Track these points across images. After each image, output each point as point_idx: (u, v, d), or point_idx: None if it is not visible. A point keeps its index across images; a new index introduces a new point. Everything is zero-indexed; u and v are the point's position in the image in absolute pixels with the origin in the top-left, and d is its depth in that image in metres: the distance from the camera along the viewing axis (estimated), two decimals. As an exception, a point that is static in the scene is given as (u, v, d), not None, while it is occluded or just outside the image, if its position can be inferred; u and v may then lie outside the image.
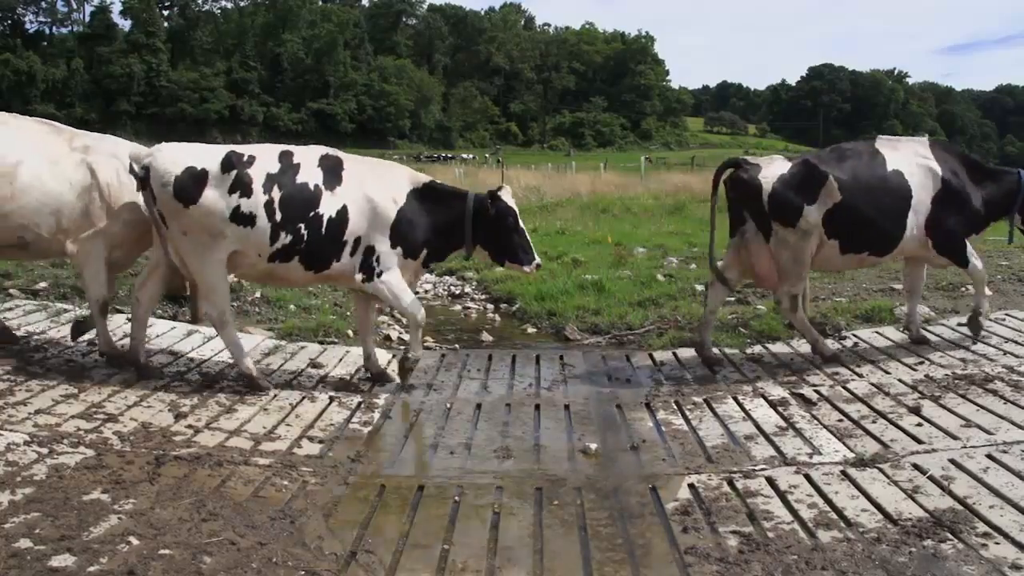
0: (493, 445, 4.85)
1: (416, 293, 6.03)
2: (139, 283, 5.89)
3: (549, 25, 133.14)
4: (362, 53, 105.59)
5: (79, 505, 3.63)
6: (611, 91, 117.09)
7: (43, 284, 8.28)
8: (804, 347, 6.86)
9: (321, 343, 7.28)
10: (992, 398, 5.11)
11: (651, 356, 6.92)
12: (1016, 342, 6.40)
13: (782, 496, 3.95)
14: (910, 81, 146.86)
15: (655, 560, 3.43)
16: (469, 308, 10.26)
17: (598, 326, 8.16)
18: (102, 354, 6.00)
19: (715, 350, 6.96)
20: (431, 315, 9.35)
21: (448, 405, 5.62)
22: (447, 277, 12.57)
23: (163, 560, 3.19)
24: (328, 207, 5.53)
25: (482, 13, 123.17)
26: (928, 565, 3.22)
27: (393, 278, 5.72)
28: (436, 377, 6.35)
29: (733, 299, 9.02)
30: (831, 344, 6.89)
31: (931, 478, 4.02)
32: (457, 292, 11.04)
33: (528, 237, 5.96)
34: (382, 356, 6.81)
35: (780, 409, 5.31)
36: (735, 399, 5.57)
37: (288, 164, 5.55)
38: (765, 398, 5.55)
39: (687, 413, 5.36)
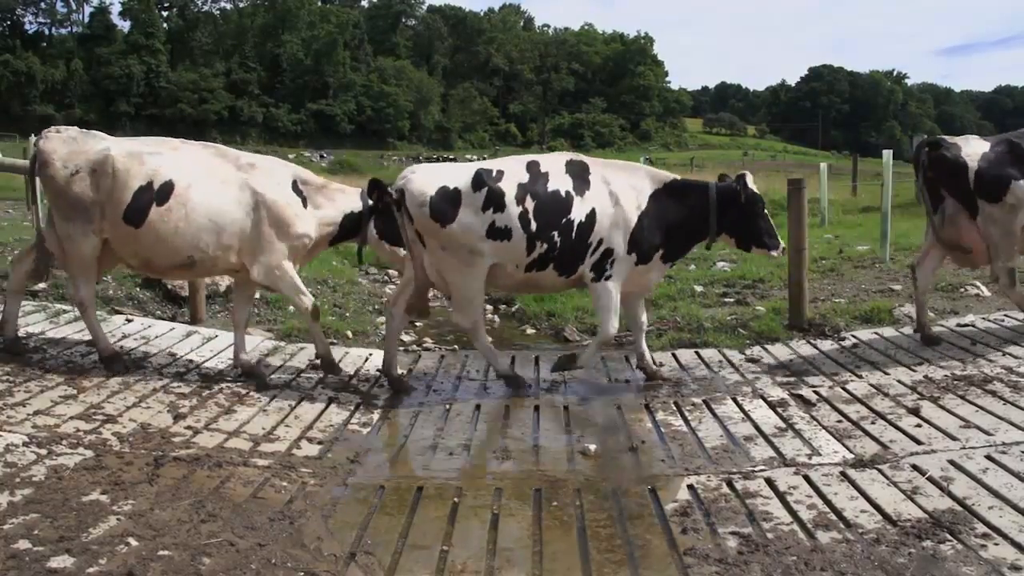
0: (492, 446, 4.85)
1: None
2: (392, 299, 6.14)
3: (548, 26, 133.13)
4: (361, 54, 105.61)
5: (78, 506, 3.63)
6: (610, 92, 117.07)
7: (42, 285, 8.27)
8: (803, 348, 6.86)
9: (320, 344, 7.27)
10: (991, 399, 5.11)
11: (651, 357, 6.91)
12: (1015, 343, 6.40)
13: (781, 497, 3.95)
14: (909, 82, 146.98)
15: (654, 561, 3.43)
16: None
17: (597, 327, 8.15)
18: (317, 357, 6.18)
19: (716, 351, 6.96)
20: (430, 316, 9.36)
21: (447, 406, 5.62)
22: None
23: (162, 561, 3.19)
24: (578, 212, 5.63)
25: (481, 14, 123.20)
26: (927, 566, 3.22)
27: (614, 288, 5.81)
28: (435, 378, 6.35)
29: (732, 300, 9.03)
30: (830, 345, 6.89)
31: (930, 479, 4.02)
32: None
33: (771, 221, 6.04)
34: (381, 357, 6.81)
35: (779, 410, 5.31)
36: (734, 400, 5.57)
37: (537, 173, 5.66)
38: (764, 399, 5.56)
39: (686, 414, 5.36)
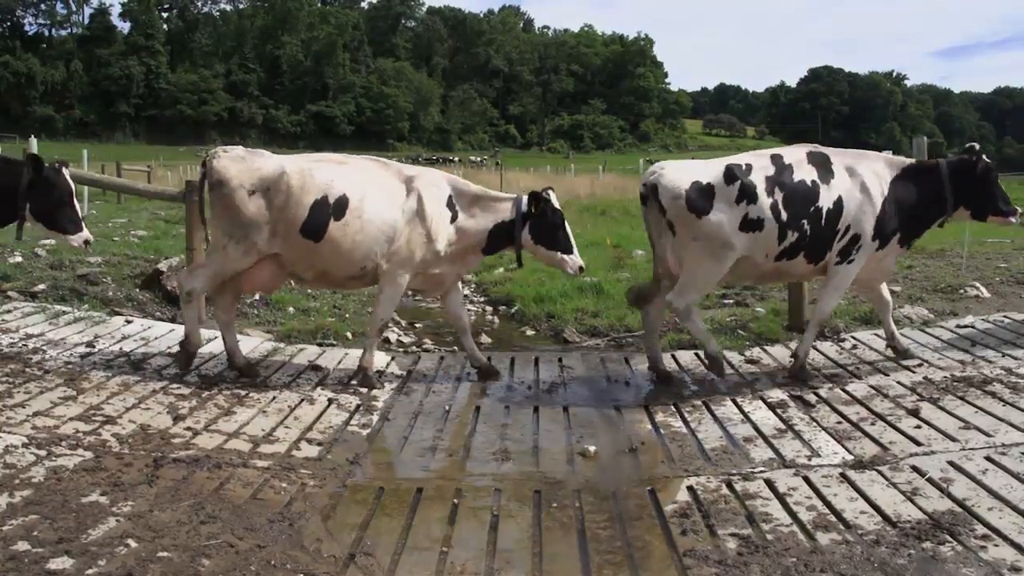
0: (492, 447, 4.85)
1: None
2: (644, 298, 6.28)
3: (548, 28, 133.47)
4: (361, 55, 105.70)
5: (77, 507, 3.62)
6: (610, 93, 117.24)
7: (41, 286, 8.28)
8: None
9: (320, 345, 7.28)
10: (991, 400, 5.11)
11: (650, 358, 6.91)
12: (1015, 344, 6.40)
13: (781, 498, 3.95)
14: (908, 83, 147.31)
15: (654, 562, 3.43)
16: (468, 310, 10.27)
17: (597, 328, 8.16)
18: (360, 368, 6.14)
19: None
20: (430, 318, 9.36)
21: (447, 407, 5.62)
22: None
23: (161, 562, 3.18)
24: (826, 200, 5.75)
25: (481, 16, 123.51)
26: (927, 567, 3.22)
27: (852, 272, 5.93)
28: (435, 379, 6.35)
29: (731, 301, 9.03)
30: (830, 346, 6.89)
31: (930, 480, 4.02)
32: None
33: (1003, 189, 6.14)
34: (381, 358, 6.81)
35: (779, 411, 5.31)
36: (734, 401, 5.57)
37: (782, 165, 5.80)
38: (764, 400, 5.56)
39: (686, 415, 5.36)
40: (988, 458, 4.21)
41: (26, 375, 5.55)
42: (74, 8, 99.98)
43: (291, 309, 8.60)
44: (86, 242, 5.98)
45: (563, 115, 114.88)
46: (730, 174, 5.72)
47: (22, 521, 3.44)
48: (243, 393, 5.64)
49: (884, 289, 6.40)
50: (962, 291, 8.59)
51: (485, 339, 8.49)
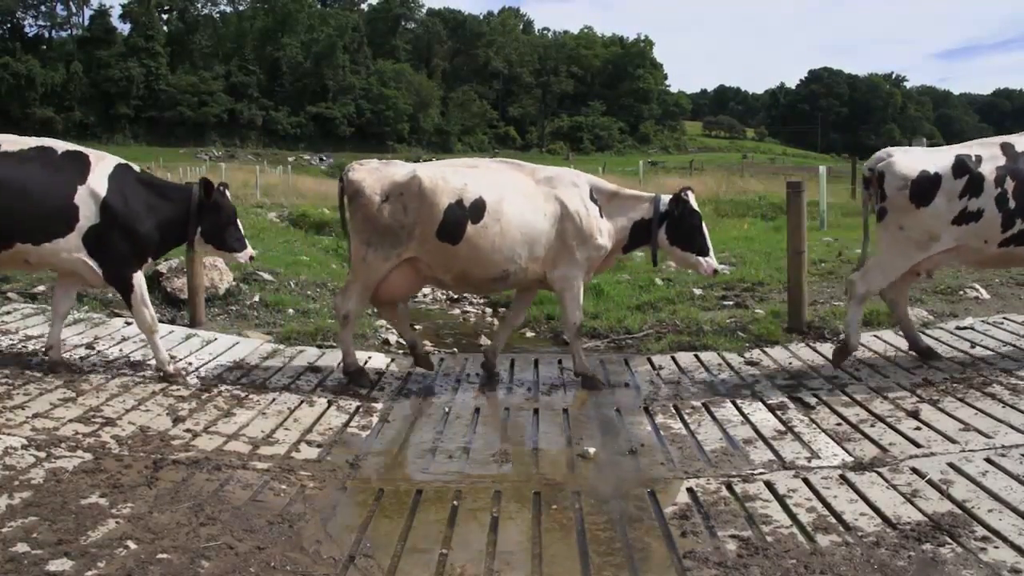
0: (492, 449, 4.85)
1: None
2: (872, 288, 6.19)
3: (548, 29, 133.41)
4: (361, 57, 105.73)
5: (77, 509, 3.62)
6: (609, 95, 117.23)
7: (41, 288, 8.27)
8: (803, 351, 6.86)
9: (319, 347, 7.28)
10: (990, 402, 5.11)
11: (649, 360, 6.92)
12: (1014, 345, 6.40)
13: (781, 500, 3.95)
14: (908, 85, 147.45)
15: (654, 564, 3.43)
16: (467, 312, 10.27)
17: (596, 330, 8.15)
18: (577, 375, 6.22)
19: (715, 354, 6.96)
20: (429, 319, 9.36)
21: (446, 409, 5.62)
22: (446, 281, 12.57)
23: (161, 564, 3.18)
24: None
25: (481, 17, 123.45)
26: (927, 569, 3.22)
27: None
28: (434, 381, 6.35)
29: (731, 303, 9.03)
30: (829, 348, 6.89)
31: (930, 482, 4.01)
32: (455, 296, 11.04)
33: None
34: (380, 360, 6.82)
35: (779, 413, 5.30)
36: (733, 403, 5.57)
37: (1014, 154, 5.76)
38: (764, 402, 5.55)
39: (686, 417, 5.36)
40: (988, 460, 4.21)
41: (25, 376, 5.55)
42: (74, 10, 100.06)
43: (291, 311, 8.60)
44: (251, 257, 6.27)
45: (563, 117, 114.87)
46: (960, 166, 5.68)
47: (21, 523, 3.44)
48: (242, 395, 5.64)
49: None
50: (961, 293, 8.59)
51: (485, 340, 8.49)
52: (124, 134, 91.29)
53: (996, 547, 3.35)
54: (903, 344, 6.76)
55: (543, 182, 6.02)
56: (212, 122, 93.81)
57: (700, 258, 6.15)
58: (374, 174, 5.90)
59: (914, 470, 4.18)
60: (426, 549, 3.53)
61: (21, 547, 3.22)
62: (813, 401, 5.49)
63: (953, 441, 4.54)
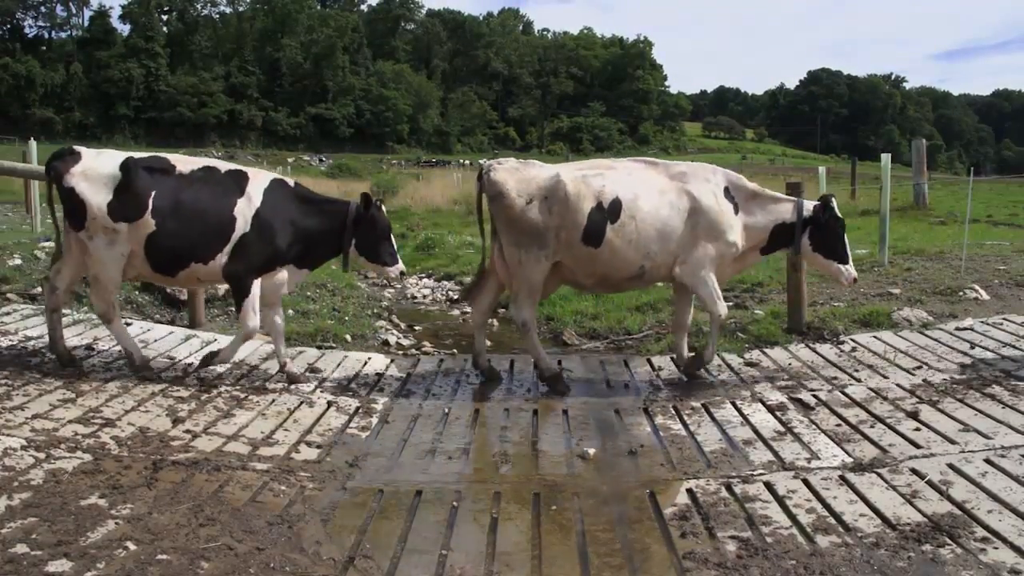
0: (491, 450, 4.85)
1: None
2: None
3: (547, 30, 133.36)
4: (360, 58, 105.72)
5: (76, 510, 3.62)
6: (609, 96, 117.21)
7: (41, 289, 8.26)
8: (802, 352, 6.86)
9: (319, 348, 7.28)
10: (990, 402, 5.12)
11: (649, 361, 6.93)
12: (1014, 346, 6.40)
13: (780, 501, 3.95)
14: (907, 86, 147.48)
15: (653, 565, 3.43)
16: (467, 313, 10.26)
17: (596, 331, 8.16)
18: (679, 366, 6.24)
19: (716, 355, 6.96)
20: (429, 320, 9.36)
21: (446, 410, 5.62)
22: (445, 282, 12.58)
23: (160, 565, 3.18)
24: None
25: (480, 18, 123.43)
26: (927, 570, 3.22)
27: None
28: (434, 382, 6.35)
29: (731, 304, 9.03)
30: (829, 348, 6.89)
31: (929, 483, 4.02)
32: (455, 297, 11.03)
33: None
34: (380, 361, 6.81)
35: (778, 414, 5.31)
36: (733, 404, 5.57)
37: None
38: (763, 403, 5.55)
39: (685, 418, 5.36)
40: (987, 460, 4.21)
41: (25, 377, 5.54)
42: (74, 11, 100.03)
43: (290, 312, 8.59)
44: (401, 273, 6.35)
45: (562, 117, 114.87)
46: None
47: (21, 524, 3.44)
48: (242, 396, 5.64)
49: None
50: (961, 293, 8.59)
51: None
52: (124, 135, 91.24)
53: (996, 548, 3.35)
54: (902, 344, 6.77)
55: (676, 177, 6.00)
56: (212, 123, 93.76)
57: (841, 266, 6.11)
58: (515, 175, 5.88)
59: (914, 471, 4.18)
60: (426, 550, 3.53)
61: (20, 548, 3.22)
62: (813, 402, 5.49)
63: (953, 442, 4.54)
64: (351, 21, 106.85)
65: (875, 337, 7.07)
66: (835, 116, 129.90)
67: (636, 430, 5.21)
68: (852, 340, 7.08)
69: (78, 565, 3.13)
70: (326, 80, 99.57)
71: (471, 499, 4.09)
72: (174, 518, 3.61)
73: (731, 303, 8.98)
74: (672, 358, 6.65)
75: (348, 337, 7.82)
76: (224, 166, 5.97)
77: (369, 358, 6.96)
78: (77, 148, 5.77)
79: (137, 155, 5.81)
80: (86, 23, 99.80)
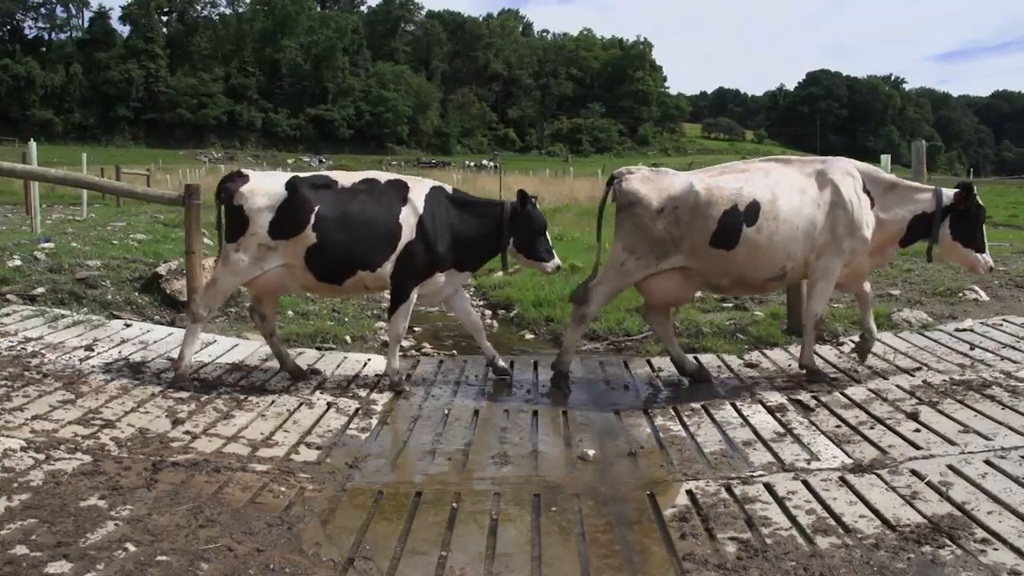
0: (491, 451, 4.85)
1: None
2: None
3: (547, 32, 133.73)
4: (360, 59, 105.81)
5: (76, 511, 3.62)
6: (609, 97, 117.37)
7: (40, 289, 8.27)
8: (802, 353, 6.85)
9: (319, 349, 7.28)
10: (990, 404, 5.12)
11: (649, 362, 6.93)
12: (1014, 347, 6.40)
13: (780, 502, 3.95)
14: (907, 87, 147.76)
15: (653, 567, 3.42)
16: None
17: (596, 332, 8.15)
18: (802, 367, 6.13)
19: (714, 356, 6.96)
20: (428, 321, 9.36)
21: (446, 411, 5.61)
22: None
23: (160, 567, 3.18)
24: None
25: (480, 19, 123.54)
26: (927, 571, 3.22)
27: None
28: (434, 383, 6.35)
29: (730, 305, 9.04)
30: (829, 350, 6.89)
31: (929, 484, 4.02)
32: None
33: None
34: (379, 363, 6.81)
35: (778, 415, 5.31)
36: (733, 405, 5.57)
37: None
38: (763, 404, 5.55)
39: (685, 419, 5.36)
40: (987, 462, 4.21)
41: (24, 378, 5.54)
42: (74, 12, 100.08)
43: (290, 313, 8.60)
44: (557, 267, 6.41)
45: (562, 119, 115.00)
46: None
47: (20, 525, 3.44)
48: (242, 397, 5.64)
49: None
50: (961, 295, 8.60)
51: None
52: (124, 136, 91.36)
53: (996, 549, 3.35)
54: (902, 346, 6.77)
55: (814, 174, 5.93)
56: (211, 124, 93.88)
57: (978, 255, 5.98)
58: (649, 184, 5.86)
59: (913, 472, 4.18)
60: (425, 551, 3.52)
61: (20, 549, 3.22)
62: (812, 403, 5.49)
63: (952, 443, 4.54)
64: (351, 22, 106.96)
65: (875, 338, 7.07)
66: (835, 117, 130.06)
67: (636, 431, 5.21)
68: (852, 341, 7.07)
69: (78, 566, 3.13)
70: (326, 81, 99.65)
71: (471, 500, 4.09)
72: (174, 519, 3.61)
73: (730, 304, 8.99)
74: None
75: (348, 338, 7.82)
76: (383, 176, 6.16)
77: (369, 359, 6.96)
78: (245, 171, 6.03)
79: (302, 175, 6.05)
80: (86, 24, 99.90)
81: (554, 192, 27.29)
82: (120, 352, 6.51)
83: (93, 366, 6.04)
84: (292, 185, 5.79)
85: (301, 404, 5.58)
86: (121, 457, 4.36)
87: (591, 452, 4.76)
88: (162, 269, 8.73)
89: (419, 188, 6.02)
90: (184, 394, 5.58)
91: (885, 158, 12.93)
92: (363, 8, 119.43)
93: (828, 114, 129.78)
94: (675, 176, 6.02)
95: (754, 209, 5.71)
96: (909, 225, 5.98)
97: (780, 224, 5.73)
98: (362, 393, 5.97)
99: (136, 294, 8.51)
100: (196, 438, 4.78)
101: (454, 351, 7.84)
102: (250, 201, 5.72)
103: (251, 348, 6.96)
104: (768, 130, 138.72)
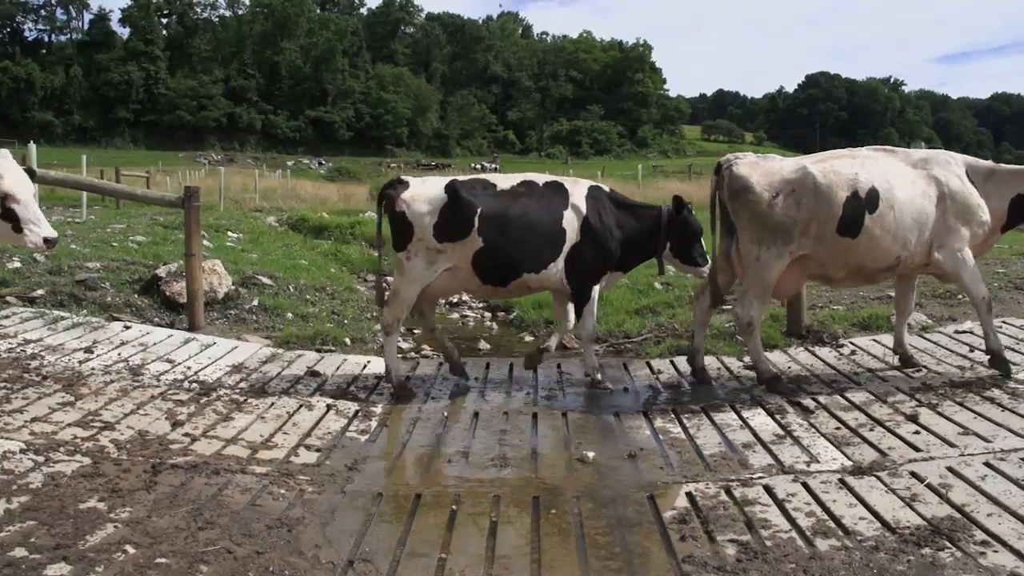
0: (491, 454, 4.85)
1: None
2: None
3: (547, 34, 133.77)
4: (360, 61, 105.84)
5: (75, 514, 3.62)
6: (608, 99, 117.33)
7: (40, 291, 8.26)
8: (801, 355, 6.86)
9: (319, 351, 7.27)
10: (989, 406, 5.12)
11: (648, 364, 6.92)
12: (1013, 349, 6.40)
13: (780, 504, 3.95)
14: (906, 89, 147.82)
15: (653, 569, 3.42)
16: (467, 316, 10.27)
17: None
18: (989, 352, 5.99)
19: (714, 359, 6.96)
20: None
21: (445, 413, 5.61)
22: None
23: (159, 569, 3.18)
24: None
25: (480, 22, 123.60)
26: (926, 573, 3.22)
27: None
28: (433, 386, 6.34)
29: (730, 307, 9.04)
30: (828, 352, 6.89)
31: (929, 486, 4.02)
32: (455, 300, 11.04)
33: None
34: (379, 364, 6.80)
35: (778, 417, 5.30)
36: (733, 407, 5.57)
37: None
38: (763, 406, 5.55)
39: (685, 421, 5.36)
40: (987, 464, 4.21)
41: (24, 380, 5.54)
42: (74, 14, 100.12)
43: (289, 315, 8.59)
44: (708, 270, 6.33)
45: (561, 121, 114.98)
46: None
47: (19, 527, 3.44)
48: (241, 399, 5.64)
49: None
50: (960, 296, 8.59)
51: (483, 345, 8.49)
52: (123, 138, 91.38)
53: (995, 551, 3.35)
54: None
55: (919, 164, 5.90)
56: (211, 126, 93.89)
57: None
58: (759, 168, 5.80)
59: (913, 474, 4.18)
60: (425, 553, 3.52)
61: (19, 552, 3.22)
62: (812, 405, 5.49)
63: (952, 445, 4.54)
64: (350, 24, 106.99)
65: (874, 340, 7.08)
66: (834, 119, 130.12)
67: (635, 433, 5.21)
68: (851, 343, 7.08)
69: (77, 569, 3.12)
70: (325, 83, 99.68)
71: (470, 502, 4.09)
72: (173, 521, 3.61)
73: (731, 306, 8.99)
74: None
75: (347, 340, 7.82)
76: (540, 179, 6.20)
77: (368, 361, 6.96)
78: (404, 177, 6.09)
79: (460, 178, 6.10)
80: (86, 26, 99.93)
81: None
82: (120, 354, 6.50)
83: (92, 368, 6.04)
84: (452, 189, 5.85)
85: (301, 406, 5.57)
86: (120, 459, 4.36)
87: (590, 454, 4.76)
88: (162, 271, 8.73)
89: (579, 189, 6.10)
90: (184, 396, 5.58)
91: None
92: (363, 10, 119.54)
93: (827, 116, 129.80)
94: (783, 160, 5.98)
95: (873, 196, 5.65)
96: (1008, 209, 5.97)
97: (896, 212, 5.67)
98: (362, 395, 5.97)
99: (136, 296, 8.51)
100: (196, 440, 4.77)
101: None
102: (412, 207, 5.80)
103: (250, 350, 6.96)
104: (768, 132, 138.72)
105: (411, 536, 3.69)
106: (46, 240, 4.52)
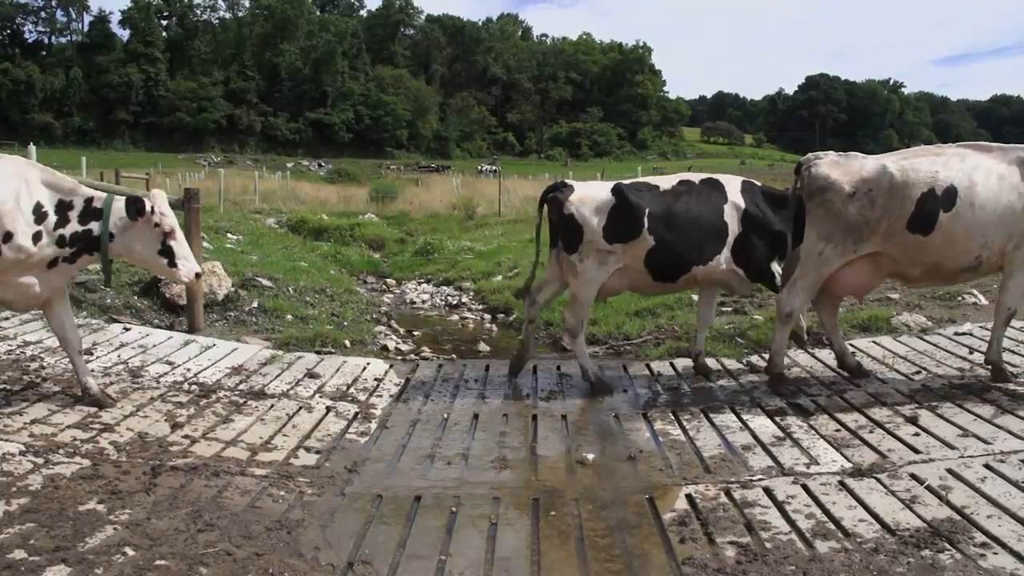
0: (490, 455, 4.85)
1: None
2: None
3: (546, 36, 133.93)
4: (360, 63, 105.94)
5: (74, 515, 3.61)
6: (608, 101, 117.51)
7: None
8: (801, 357, 6.86)
9: (318, 353, 7.27)
10: (989, 408, 5.11)
11: (648, 366, 6.92)
12: (1013, 351, 6.40)
13: (779, 506, 3.95)
14: (906, 91, 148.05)
15: (652, 571, 3.42)
16: (466, 318, 10.27)
17: (595, 336, 8.16)
18: (988, 363, 5.91)
19: (714, 360, 6.97)
20: (427, 325, 9.36)
21: (445, 415, 5.61)
22: (444, 287, 12.59)
23: (159, 571, 3.18)
24: None
25: (480, 24, 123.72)
26: (926, 575, 3.22)
27: None
28: (433, 387, 6.34)
29: (730, 309, 9.04)
30: (828, 354, 6.89)
31: (929, 488, 4.01)
32: (454, 302, 11.05)
33: None
34: (379, 366, 6.81)
35: (777, 419, 5.30)
36: (732, 409, 5.57)
37: None
38: (762, 408, 5.55)
39: (684, 423, 5.36)
40: (987, 465, 4.21)
41: (24, 382, 5.54)
42: (74, 16, 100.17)
43: (289, 317, 8.59)
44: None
45: (561, 123, 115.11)
46: None
47: (19, 529, 3.43)
48: (241, 401, 5.64)
49: None
50: (960, 298, 8.60)
51: (483, 347, 8.49)
52: (123, 139, 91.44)
53: (995, 553, 3.35)
54: (901, 350, 6.77)
55: (1015, 161, 5.74)
56: (211, 128, 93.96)
57: None
58: (839, 168, 5.80)
59: (913, 476, 4.18)
60: (425, 555, 3.52)
61: (18, 554, 3.22)
62: (812, 407, 5.49)
63: (952, 447, 4.54)
64: (350, 26, 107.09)
65: (874, 342, 7.08)
66: (834, 121, 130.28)
67: (635, 435, 5.21)
68: (851, 345, 7.07)
69: (76, 571, 3.12)
70: (325, 85, 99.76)
71: (470, 504, 4.09)
72: (173, 523, 3.61)
73: (729, 308, 8.99)
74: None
75: (347, 342, 7.82)
76: (695, 177, 6.40)
77: (368, 363, 6.96)
78: (568, 181, 6.25)
79: (624, 181, 6.31)
80: (86, 28, 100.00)
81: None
82: (119, 356, 6.50)
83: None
84: (618, 191, 6.05)
85: (300, 408, 5.57)
86: (120, 461, 4.36)
87: (590, 456, 4.76)
88: (161, 273, 8.72)
89: (733, 184, 6.29)
90: (184, 398, 5.57)
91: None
92: (362, 12, 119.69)
93: (827, 118, 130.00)
94: (865, 159, 5.94)
95: (951, 194, 5.57)
96: None
97: (977, 211, 5.57)
98: (361, 397, 5.97)
99: (135, 298, 8.51)
100: (195, 442, 4.77)
101: (453, 355, 7.85)
102: (580, 210, 5.99)
103: (250, 352, 6.95)
104: (767, 134, 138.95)
105: (411, 538, 3.69)
106: (196, 275, 5.10)
